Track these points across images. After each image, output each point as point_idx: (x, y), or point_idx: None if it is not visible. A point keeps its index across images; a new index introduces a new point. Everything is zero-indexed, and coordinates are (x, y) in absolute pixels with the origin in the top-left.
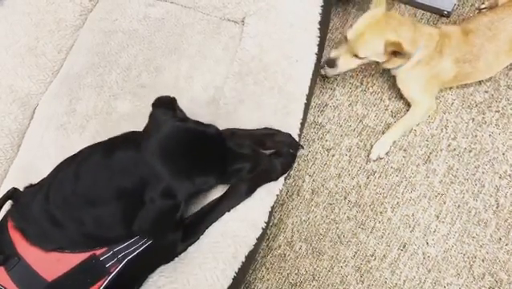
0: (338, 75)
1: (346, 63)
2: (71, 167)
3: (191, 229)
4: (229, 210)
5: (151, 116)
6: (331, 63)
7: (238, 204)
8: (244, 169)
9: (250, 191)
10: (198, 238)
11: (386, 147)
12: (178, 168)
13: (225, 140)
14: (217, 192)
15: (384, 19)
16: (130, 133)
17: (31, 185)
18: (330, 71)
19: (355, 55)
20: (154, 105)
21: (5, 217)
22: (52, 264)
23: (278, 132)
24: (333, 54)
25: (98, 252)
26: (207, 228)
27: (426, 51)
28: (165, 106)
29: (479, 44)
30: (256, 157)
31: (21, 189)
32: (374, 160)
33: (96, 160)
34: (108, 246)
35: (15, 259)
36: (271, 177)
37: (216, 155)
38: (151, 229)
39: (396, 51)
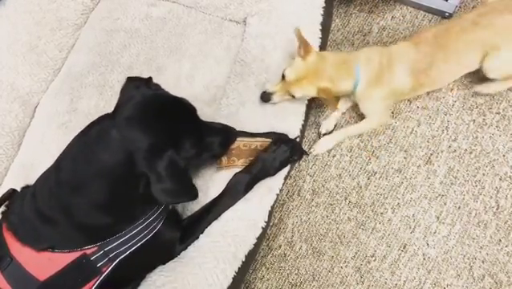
0: None
1: (280, 98)
2: (53, 163)
3: (189, 230)
4: (227, 209)
5: (122, 89)
6: (266, 97)
7: (236, 202)
8: (215, 143)
9: (248, 188)
10: (197, 238)
11: (329, 145)
12: (157, 127)
13: (197, 112)
14: (215, 192)
15: (319, 65)
16: (99, 117)
17: (27, 186)
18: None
19: (288, 92)
20: (129, 79)
21: (1, 218)
22: (44, 264)
23: (284, 137)
24: (270, 89)
25: (88, 251)
26: (206, 228)
27: (369, 73)
28: (138, 80)
29: (429, 52)
30: (226, 131)
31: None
32: (314, 155)
33: (73, 145)
34: (99, 241)
35: (8, 260)
36: (269, 172)
37: (191, 119)
38: (176, 189)
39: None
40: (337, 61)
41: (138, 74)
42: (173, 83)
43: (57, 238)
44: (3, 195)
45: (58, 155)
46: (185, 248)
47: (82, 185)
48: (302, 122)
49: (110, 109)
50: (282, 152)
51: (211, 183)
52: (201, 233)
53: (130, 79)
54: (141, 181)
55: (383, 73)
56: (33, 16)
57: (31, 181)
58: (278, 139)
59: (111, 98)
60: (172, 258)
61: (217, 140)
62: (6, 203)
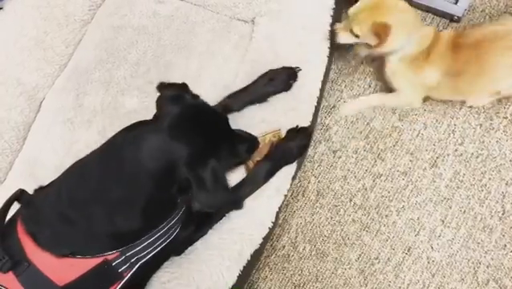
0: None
1: (343, 37)
2: (83, 165)
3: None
4: (247, 197)
5: (158, 100)
6: (332, 36)
7: (257, 189)
8: (242, 149)
9: (268, 176)
10: (221, 219)
11: (356, 108)
12: (197, 137)
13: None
14: None
15: (385, 3)
16: (136, 122)
17: (41, 188)
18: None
19: (351, 31)
20: (160, 88)
21: (13, 219)
22: (64, 269)
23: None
24: (336, 26)
25: (110, 257)
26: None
27: (414, 49)
28: (176, 89)
29: (463, 61)
30: (252, 138)
31: (26, 190)
32: (341, 117)
33: (104, 150)
34: (121, 247)
35: (25, 265)
36: (288, 160)
37: (226, 129)
38: (218, 191)
39: (380, 36)
40: (411, 14)
41: (145, 71)
42: (181, 81)
43: (79, 243)
44: (11, 196)
45: (62, 150)
46: (206, 232)
47: (112, 190)
48: (310, 123)
49: (115, 106)
50: (300, 139)
51: None
52: (220, 219)
53: (163, 88)
54: (173, 188)
55: (419, 59)
56: (40, 11)
57: (34, 176)
58: (294, 129)
59: (117, 94)
60: (187, 248)
61: (244, 147)
62: (20, 204)
